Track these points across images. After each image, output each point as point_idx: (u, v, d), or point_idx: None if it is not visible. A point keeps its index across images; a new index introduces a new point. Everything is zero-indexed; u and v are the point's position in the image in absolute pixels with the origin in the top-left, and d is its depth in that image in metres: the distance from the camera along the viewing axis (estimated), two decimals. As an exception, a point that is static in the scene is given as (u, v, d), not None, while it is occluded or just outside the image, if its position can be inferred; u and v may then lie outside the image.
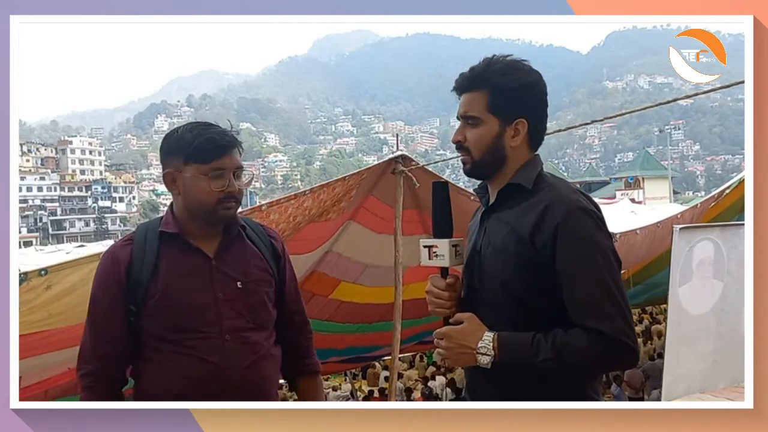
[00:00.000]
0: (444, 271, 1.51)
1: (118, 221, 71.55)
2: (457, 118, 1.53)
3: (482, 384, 1.52)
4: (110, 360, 1.64)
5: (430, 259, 1.50)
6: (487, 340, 1.41)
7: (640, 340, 10.82)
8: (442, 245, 1.49)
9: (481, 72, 1.47)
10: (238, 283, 1.67)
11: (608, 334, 1.34)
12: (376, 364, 10.39)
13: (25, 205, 64.05)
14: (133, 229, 1.75)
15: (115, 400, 1.66)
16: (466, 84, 1.49)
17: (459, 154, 1.54)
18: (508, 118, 1.47)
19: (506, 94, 1.45)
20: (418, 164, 4.20)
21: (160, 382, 1.63)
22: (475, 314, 1.49)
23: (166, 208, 1.75)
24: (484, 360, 1.40)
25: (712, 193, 6.30)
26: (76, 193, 72.08)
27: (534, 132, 1.50)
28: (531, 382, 1.44)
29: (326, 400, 9.80)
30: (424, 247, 1.51)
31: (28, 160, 69.16)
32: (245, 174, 1.69)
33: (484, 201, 1.57)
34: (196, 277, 1.64)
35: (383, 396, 8.71)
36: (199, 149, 1.61)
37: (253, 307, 1.69)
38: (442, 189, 1.54)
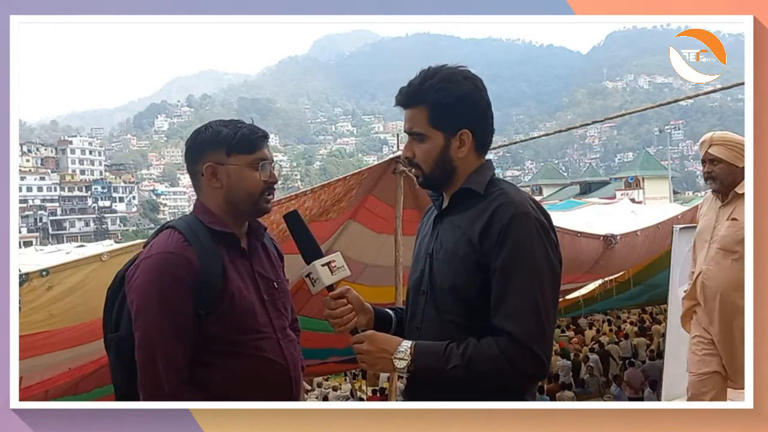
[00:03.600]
0: (330, 290, 1.53)
1: (118, 221, 71.57)
2: (405, 132, 1.55)
3: (422, 389, 1.54)
4: (189, 365, 1.56)
5: (314, 286, 1.52)
6: (405, 345, 1.45)
7: (641, 339, 10.83)
8: (314, 269, 1.51)
9: (418, 88, 1.48)
10: (274, 283, 1.70)
11: (518, 338, 1.36)
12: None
13: (25, 205, 64.06)
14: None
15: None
16: (406, 100, 1.51)
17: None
18: (452, 131, 1.49)
19: (445, 109, 1.47)
20: (419, 164, 4.19)
21: (226, 386, 1.59)
22: (422, 318, 1.52)
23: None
24: (401, 365, 1.44)
25: (712, 193, 6.29)
26: (76, 193, 72.09)
27: (480, 138, 1.52)
28: (460, 388, 1.45)
29: (326, 399, 9.77)
30: (305, 278, 1.53)
31: (28, 160, 69.17)
32: (275, 167, 1.71)
33: (437, 204, 1.59)
34: (246, 278, 1.65)
35: (383, 396, 8.71)
36: (243, 139, 1.62)
37: (286, 306, 1.73)
38: (293, 219, 1.57)
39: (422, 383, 1.52)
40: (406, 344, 1.45)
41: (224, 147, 1.62)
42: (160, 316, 1.53)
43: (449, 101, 1.46)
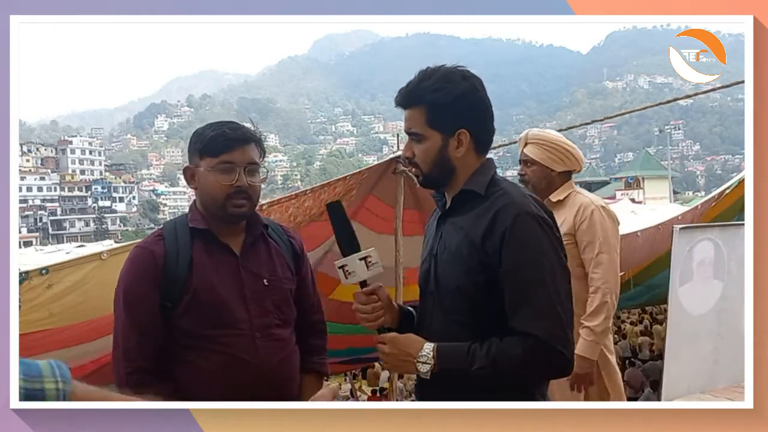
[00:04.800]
0: (363, 285, 1.53)
1: (118, 221, 71.56)
2: (405, 132, 1.56)
3: (431, 389, 1.54)
4: (154, 356, 1.61)
5: (346, 278, 1.52)
6: (428, 349, 1.44)
7: (645, 339, 10.83)
8: (351, 262, 1.50)
9: (415, 88, 1.49)
10: (264, 280, 1.70)
11: (541, 338, 1.36)
12: (376, 364, 10.39)
13: (25, 205, 64.04)
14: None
15: (167, 393, 1.60)
16: (404, 101, 1.51)
17: None
18: (449, 131, 1.49)
19: (442, 109, 1.47)
20: (419, 164, 4.19)
21: (193, 381, 1.62)
22: (431, 318, 1.53)
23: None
24: (424, 368, 1.43)
25: (713, 194, 6.30)
26: (76, 193, 72.08)
27: (479, 138, 1.51)
28: (479, 386, 1.46)
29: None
30: (338, 268, 1.53)
31: (28, 160, 69.16)
32: (261, 171, 1.70)
33: (441, 205, 1.59)
34: (225, 274, 1.65)
35: (383, 396, 8.70)
36: (210, 142, 1.63)
37: (279, 305, 1.72)
38: (336, 209, 1.58)
39: (433, 382, 1.51)
40: (429, 347, 1.44)
41: (197, 149, 1.66)
42: (123, 307, 1.61)
43: (446, 101, 1.46)
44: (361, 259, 1.50)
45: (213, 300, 1.61)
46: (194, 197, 1.74)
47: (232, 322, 1.63)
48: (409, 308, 1.65)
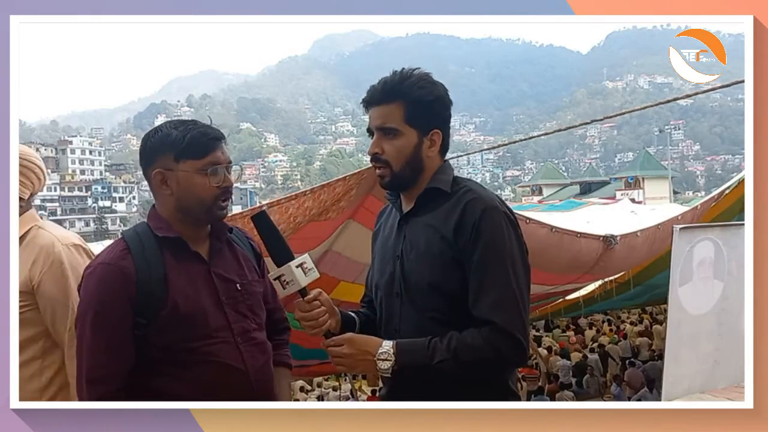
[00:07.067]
0: (303, 292, 1.51)
1: (118, 221, 71.55)
2: (368, 130, 1.57)
3: (404, 386, 1.55)
4: (124, 377, 1.53)
5: (284, 289, 1.49)
6: (387, 346, 1.45)
7: (643, 339, 10.84)
8: (287, 271, 1.47)
9: (397, 85, 1.51)
10: (237, 285, 1.65)
11: (500, 325, 1.40)
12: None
13: (25, 205, 63.87)
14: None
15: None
16: (379, 97, 1.52)
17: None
18: (425, 130, 1.52)
19: (423, 107, 1.50)
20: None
21: (179, 393, 1.56)
22: (400, 319, 1.54)
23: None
24: (385, 365, 1.45)
25: (712, 194, 6.30)
26: (76, 193, 72.13)
27: (445, 141, 1.56)
28: (453, 386, 1.48)
29: (325, 399, 9.73)
30: (274, 280, 1.50)
31: (28, 160, 69.03)
32: (234, 169, 1.65)
33: (397, 206, 1.61)
34: (199, 282, 1.59)
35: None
36: (192, 144, 1.55)
37: (253, 308, 1.68)
38: (262, 219, 1.53)
39: (405, 388, 1.53)
40: (388, 344, 1.46)
41: (173, 152, 1.56)
42: (91, 330, 1.51)
43: (428, 99, 1.50)
44: (297, 267, 1.48)
45: (191, 310, 1.55)
46: (156, 203, 1.64)
47: (211, 330, 1.57)
48: (350, 313, 1.65)
